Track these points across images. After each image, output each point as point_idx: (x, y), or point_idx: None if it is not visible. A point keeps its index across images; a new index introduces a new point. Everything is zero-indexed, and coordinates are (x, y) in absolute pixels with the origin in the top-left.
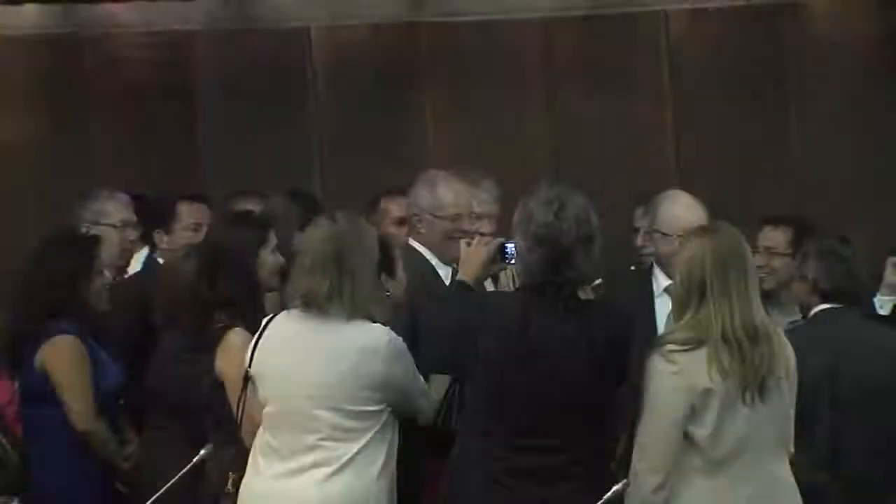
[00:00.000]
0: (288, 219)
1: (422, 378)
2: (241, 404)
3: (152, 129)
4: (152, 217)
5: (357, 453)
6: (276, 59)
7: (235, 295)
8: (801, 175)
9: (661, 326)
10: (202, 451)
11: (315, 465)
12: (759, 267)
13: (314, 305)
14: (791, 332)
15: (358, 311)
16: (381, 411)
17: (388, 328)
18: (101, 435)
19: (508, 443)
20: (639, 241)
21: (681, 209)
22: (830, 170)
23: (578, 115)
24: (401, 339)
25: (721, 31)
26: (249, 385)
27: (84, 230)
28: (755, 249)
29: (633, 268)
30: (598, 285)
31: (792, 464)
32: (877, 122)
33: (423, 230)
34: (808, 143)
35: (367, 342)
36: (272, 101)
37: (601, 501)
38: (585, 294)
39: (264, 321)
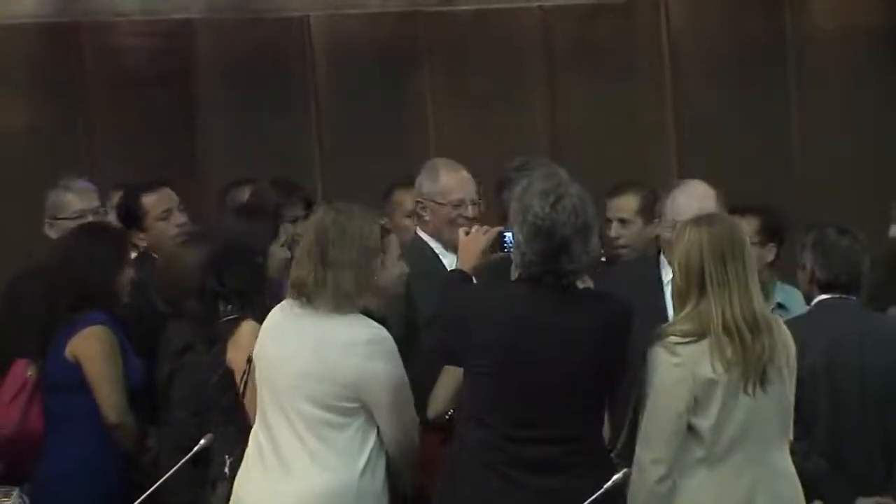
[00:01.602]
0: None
1: (409, 392)
2: (242, 388)
3: (151, 118)
4: (125, 220)
5: (340, 448)
6: (275, 48)
7: (243, 287)
8: (800, 162)
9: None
10: (202, 441)
11: (297, 460)
12: None
13: (302, 296)
14: (789, 323)
15: (342, 303)
16: (358, 409)
17: (376, 324)
18: (131, 428)
19: (506, 433)
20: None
21: (690, 198)
22: (830, 158)
23: (578, 102)
24: (389, 337)
25: (721, 18)
26: (251, 371)
27: (47, 225)
28: None
29: (603, 259)
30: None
31: (792, 452)
32: (877, 111)
33: (427, 217)
34: (808, 131)
35: (348, 336)
36: (272, 91)
37: (601, 491)
38: (584, 283)
39: (273, 310)
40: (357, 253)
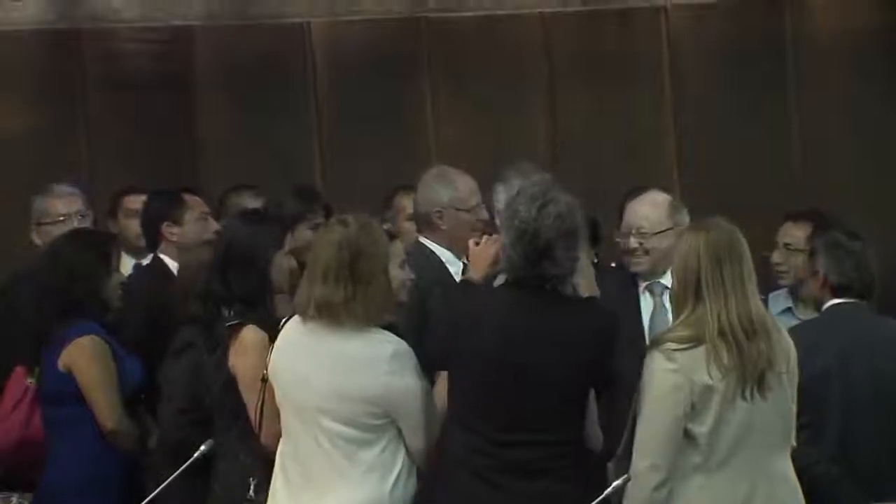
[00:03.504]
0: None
1: (434, 403)
2: (259, 408)
3: (151, 124)
4: (160, 212)
5: (370, 465)
6: (275, 53)
7: (246, 293)
8: (800, 167)
9: (646, 323)
10: (202, 447)
11: (327, 480)
12: (778, 264)
13: (328, 314)
14: (801, 328)
15: (373, 318)
16: (387, 425)
17: (395, 337)
18: (128, 434)
19: (492, 438)
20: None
21: (644, 206)
22: (830, 160)
23: (578, 107)
24: (410, 349)
25: (721, 23)
26: (267, 389)
27: (33, 232)
28: (775, 245)
29: (613, 265)
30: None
31: (804, 456)
32: (877, 113)
33: (444, 226)
34: (808, 136)
35: (372, 353)
36: (272, 96)
37: (601, 498)
38: (592, 291)
39: (283, 322)
40: (384, 265)
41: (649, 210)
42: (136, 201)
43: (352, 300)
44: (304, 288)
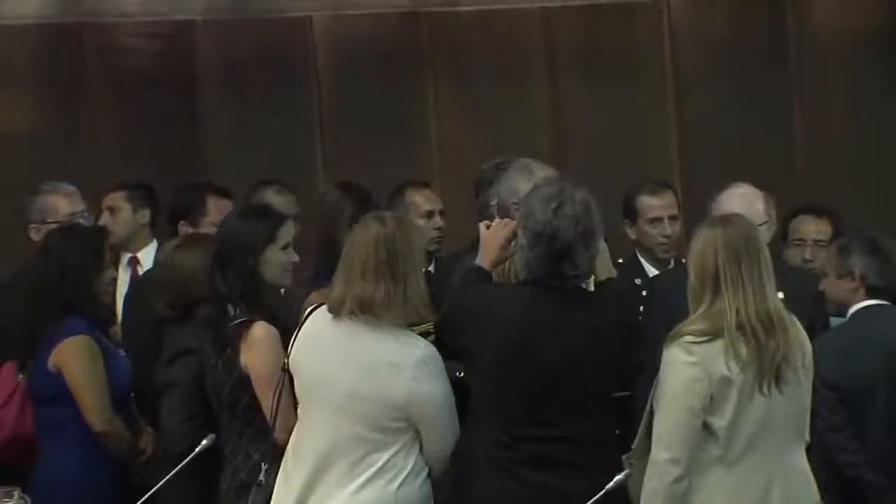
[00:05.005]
0: (340, 213)
1: (455, 408)
2: (276, 398)
3: (154, 119)
4: (180, 208)
5: (381, 466)
6: (278, 48)
7: (242, 290)
8: (802, 162)
9: None
10: (204, 441)
11: (336, 475)
12: (809, 261)
13: (368, 311)
14: (839, 332)
15: (411, 315)
16: (406, 428)
17: (424, 341)
18: (117, 435)
19: (513, 432)
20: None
21: (734, 199)
22: (832, 157)
23: (580, 102)
24: (438, 353)
25: (723, 17)
26: (286, 379)
27: (33, 231)
28: (793, 241)
29: (620, 260)
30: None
31: (851, 466)
32: (879, 110)
33: None
34: (811, 131)
35: (398, 357)
36: (274, 91)
37: (603, 492)
38: (589, 286)
39: (305, 314)
40: (421, 263)
41: (742, 203)
42: (107, 200)
43: (392, 299)
44: (340, 285)
